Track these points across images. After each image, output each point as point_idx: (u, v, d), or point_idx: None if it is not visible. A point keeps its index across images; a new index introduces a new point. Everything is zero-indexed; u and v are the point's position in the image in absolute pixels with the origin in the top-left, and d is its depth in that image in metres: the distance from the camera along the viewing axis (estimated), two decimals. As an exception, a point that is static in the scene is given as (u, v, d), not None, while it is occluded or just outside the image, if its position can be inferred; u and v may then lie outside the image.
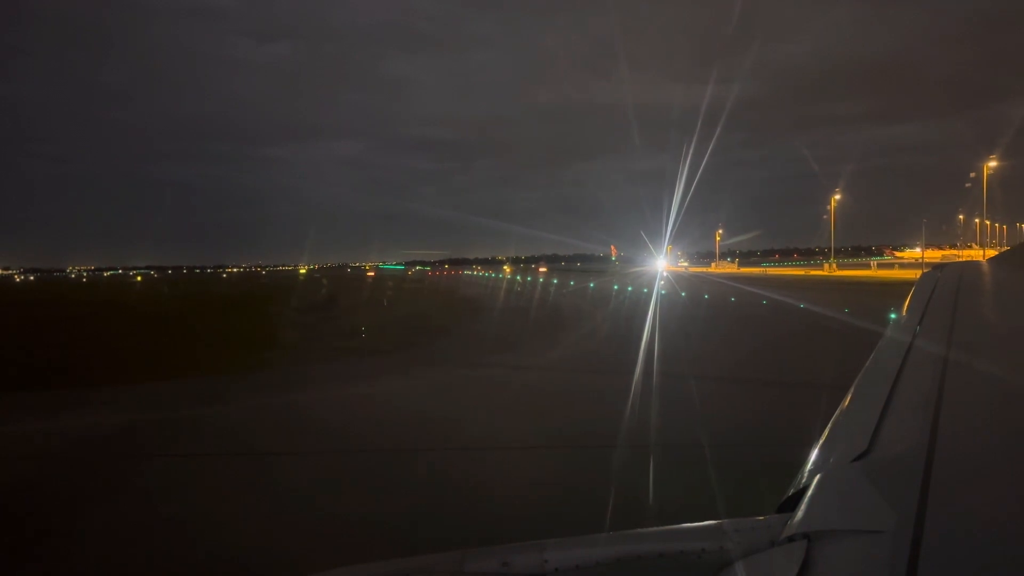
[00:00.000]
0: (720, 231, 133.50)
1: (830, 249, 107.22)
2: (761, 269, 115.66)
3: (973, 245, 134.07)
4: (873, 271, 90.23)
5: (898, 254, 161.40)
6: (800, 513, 1.82)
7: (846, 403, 2.94)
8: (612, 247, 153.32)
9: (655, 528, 1.94)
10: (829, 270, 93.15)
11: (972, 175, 78.41)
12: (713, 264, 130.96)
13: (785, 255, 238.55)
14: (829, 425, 2.62)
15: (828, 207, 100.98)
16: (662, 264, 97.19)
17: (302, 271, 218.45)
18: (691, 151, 54.86)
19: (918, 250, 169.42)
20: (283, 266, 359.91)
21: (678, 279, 78.08)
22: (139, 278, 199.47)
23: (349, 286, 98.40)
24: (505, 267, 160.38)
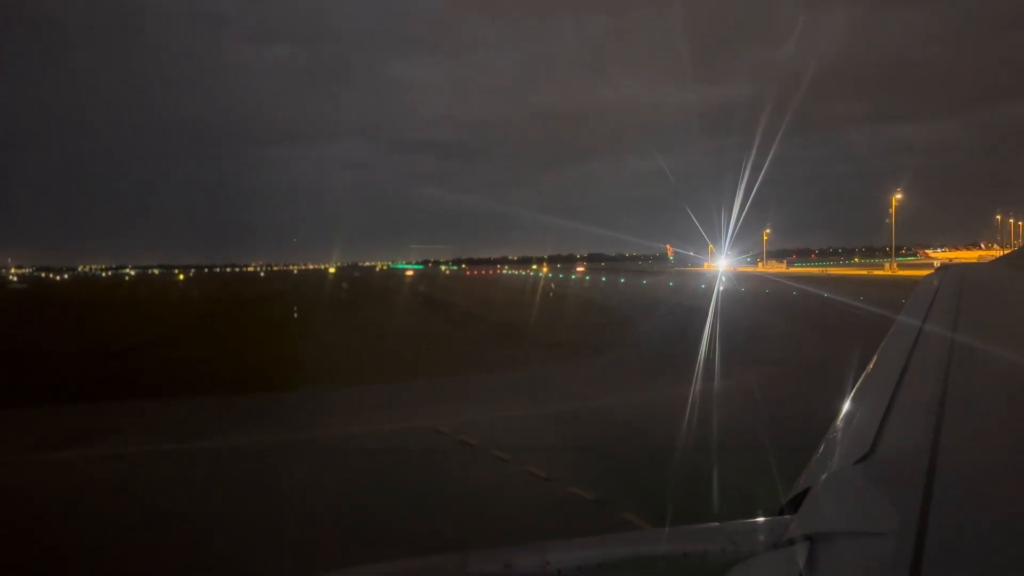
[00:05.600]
0: (767, 231, 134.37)
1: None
2: (820, 269, 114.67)
3: (995, 245, 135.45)
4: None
5: (931, 254, 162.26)
6: (802, 515, 1.84)
7: (848, 405, 2.94)
8: (668, 247, 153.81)
9: (658, 529, 1.98)
10: (891, 269, 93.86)
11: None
12: (760, 264, 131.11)
13: (802, 255, 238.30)
14: (832, 427, 2.64)
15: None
16: (723, 264, 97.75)
17: (331, 270, 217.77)
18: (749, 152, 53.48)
19: (940, 250, 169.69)
20: (295, 265, 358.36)
21: (770, 282, 75.57)
22: (181, 276, 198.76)
23: (427, 285, 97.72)
24: (535, 267, 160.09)
